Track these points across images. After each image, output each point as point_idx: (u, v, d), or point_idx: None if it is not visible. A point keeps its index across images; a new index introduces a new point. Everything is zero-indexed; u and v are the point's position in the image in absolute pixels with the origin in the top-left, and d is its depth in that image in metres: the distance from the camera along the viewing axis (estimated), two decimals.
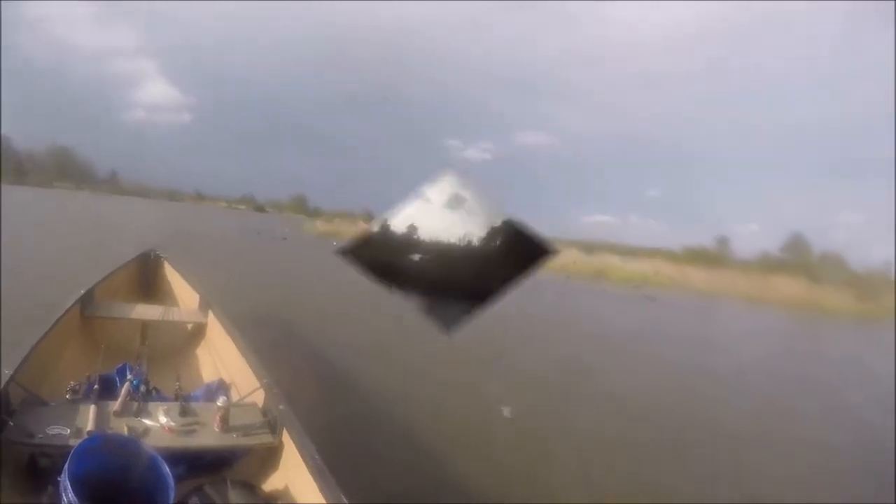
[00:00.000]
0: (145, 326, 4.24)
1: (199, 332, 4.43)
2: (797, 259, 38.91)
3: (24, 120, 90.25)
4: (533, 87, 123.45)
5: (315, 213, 64.75)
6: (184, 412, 2.51)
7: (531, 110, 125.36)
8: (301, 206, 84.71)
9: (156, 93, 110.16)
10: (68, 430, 2.22)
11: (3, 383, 2.30)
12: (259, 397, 2.81)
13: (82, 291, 4.11)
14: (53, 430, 2.21)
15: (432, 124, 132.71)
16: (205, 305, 4.54)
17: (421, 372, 6.28)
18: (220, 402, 2.51)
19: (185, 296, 5.12)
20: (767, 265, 36.66)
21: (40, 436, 2.18)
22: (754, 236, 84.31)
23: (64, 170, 76.54)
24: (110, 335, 3.97)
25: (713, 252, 42.44)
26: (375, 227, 1.39)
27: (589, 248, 36.43)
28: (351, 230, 38.90)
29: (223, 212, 73.09)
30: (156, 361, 3.68)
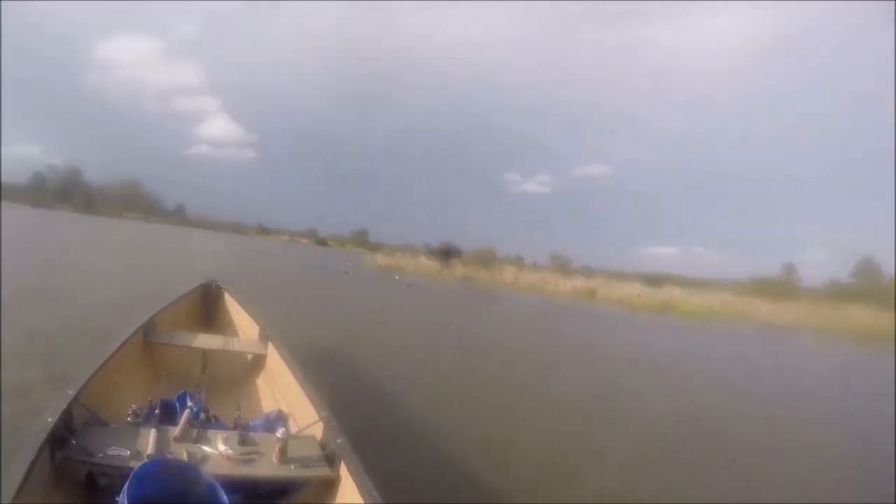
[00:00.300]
0: (205, 355, 4.30)
1: (258, 362, 4.47)
2: (868, 285, 37.38)
3: (96, 153, 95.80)
4: (589, 119, 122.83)
5: (376, 248, 65.76)
6: (242, 441, 2.52)
7: (588, 142, 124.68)
8: (362, 240, 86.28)
9: (220, 130, 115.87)
10: (128, 452, 2.25)
11: (67, 402, 2.32)
12: (318, 430, 2.80)
13: (145, 318, 4.17)
14: (113, 451, 2.24)
15: (491, 159, 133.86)
16: (264, 337, 4.55)
17: (496, 412, 6.10)
18: (279, 433, 2.50)
19: (244, 326, 5.17)
20: (837, 293, 35.27)
21: (100, 455, 2.19)
22: (822, 264, 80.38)
23: (133, 202, 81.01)
24: (171, 362, 4.03)
25: (780, 281, 41.35)
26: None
27: (653, 280, 36.33)
28: (412, 264, 39.53)
29: (286, 245, 75.05)
30: (215, 390, 3.72)
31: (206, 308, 5.66)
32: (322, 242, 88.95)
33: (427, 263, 40.55)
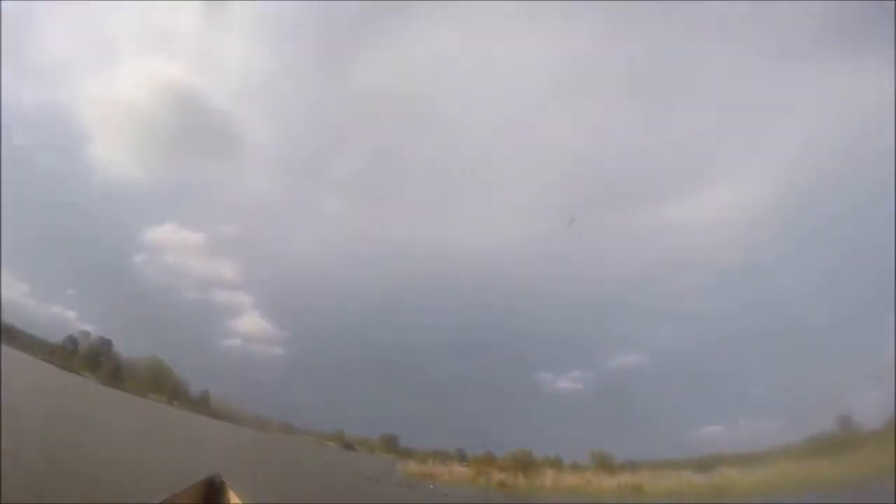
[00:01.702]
0: None
1: None
2: None
3: (130, 330, 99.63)
4: (613, 306, 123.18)
5: (406, 453, 64.42)
6: None
7: (619, 332, 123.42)
8: (392, 445, 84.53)
9: (252, 325, 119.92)
10: None
11: None
12: None
13: None
14: None
15: (523, 359, 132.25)
16: None
17: None
18: None
19: None
20: None
21: None
22: (879, 403, 73.38)
23: (159, 382, 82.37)
24: None
25: (837, 436, 38.23)
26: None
27: (703, 464, 34.71)
28: (446, 471, 38.79)
29: (311, 446, 73.93)
30: None
31: (208, 502, 5.52)
32: (349, 446, 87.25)
33: (461, 470, 39.81)
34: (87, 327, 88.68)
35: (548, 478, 36.36)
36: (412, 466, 40.65)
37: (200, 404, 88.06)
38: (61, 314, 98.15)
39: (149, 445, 16.03)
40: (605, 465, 41.42)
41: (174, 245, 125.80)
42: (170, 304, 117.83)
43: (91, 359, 78.46)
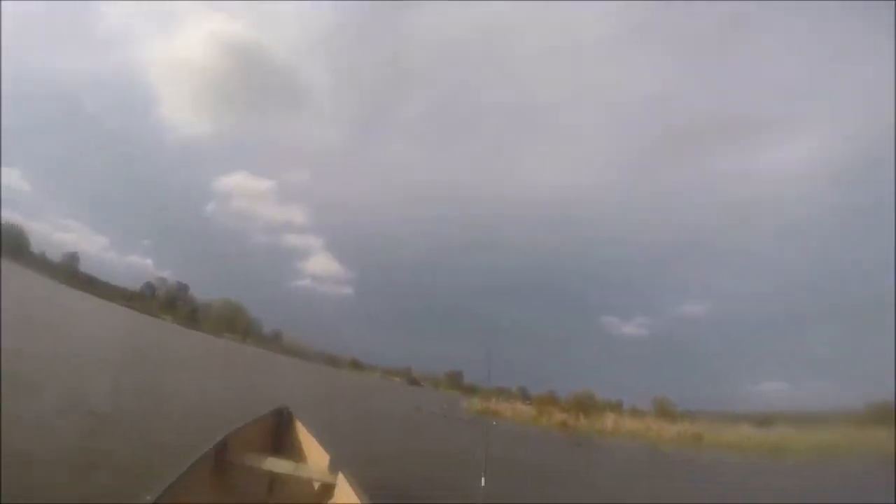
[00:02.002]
0: (274, 479, 4.52)
1: (326, 491, 4.56)
2: None
3: (204, 274, 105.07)
4: (682, 254, 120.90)
5: (471, 391, 65.98)
6: None
7: (684, 278, 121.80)
8: (456, 382, 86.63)
9: (322, 266, 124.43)
10: None
11: None
12: None
13: (219, 438, 4.42)
14: None
15: (589, 301, 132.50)
16: (334, 466, 4.68)
17: None
18: None
19: (314, 454, 5.34)
20: None
21: None
22: None
23: (233, 323, 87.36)
24: (240, 482, 4.28)
25: None
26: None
27: (762, 420, 34.79)
28: (509, 409, 39.61)
29: (378, 382, 76.63)
30: None
31: (277, 433, 5.85)
32: (415, 382, 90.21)
33: (524, 409, 40.71)
34: (164, 274, 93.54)
35: (609, 421, 36.53)
36: (476, 403, 41.22)
37: (273, 342, 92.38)
38: (139, 263, 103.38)
39: (224, 382, 16.79)
40: (665, 412, 41.65)
41: (244, 193, 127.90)
42: (241, 248, 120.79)
43: (168, 303, 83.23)
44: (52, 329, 16.81)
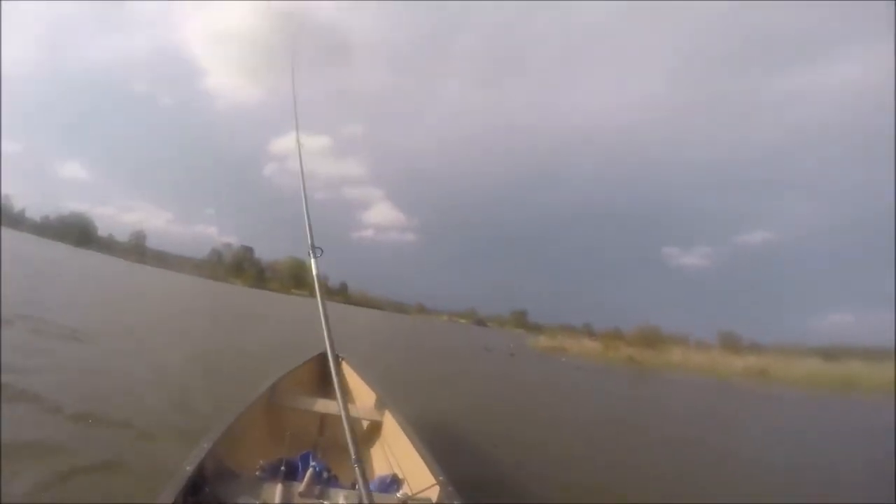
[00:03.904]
0: (323, 419, 4.68)
1: (374, 429, 4.70)
2: None
3: (269, 236, 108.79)
4: (743, 180, 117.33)
5: (535, 328, 67.16)
6: (362, 500, 2.55)
7: (746, 205, 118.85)
8: (522, 321, 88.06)
9: (384, 215, 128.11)
10: (256, 502, 2.55)
11: (203, 454, 2.63)
12: (434, 493, 2.92)
13: (270, 382, 4.58)
14: (242, 500, 2.53)
15: (649, 233, 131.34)
16: (381, 405, 4.82)
17: None
18: (399, 494, 2.75)
19: (361, 394, 5.50)
20: None
21: (229, 503, 2.51)
22: None
23: (300, 279, 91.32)
24: (292, 423, 4.29)
25: None
26: None
27: (829, 354, 34.00)
28: (575, 345, 40.26)
29: (446, 324, 78.26)
30: (332, 452, 3.93)
31: (325, 375, 5.92)
32: (481, 323, 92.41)
33: (591, 345, 41.38)
34: (229, 239, 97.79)
35: (675, 354, 36.54)
36: (542, 341, 42.15)
37: (340, 294, 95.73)
38: (204, 232, 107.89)
39: (295, 334, 17.00)
40: (731, 345, 41.78)
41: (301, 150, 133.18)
42: (302, 206, 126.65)
43: (236, 266, 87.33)
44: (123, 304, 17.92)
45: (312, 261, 2.97)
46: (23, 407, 4.92)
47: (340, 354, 5.99)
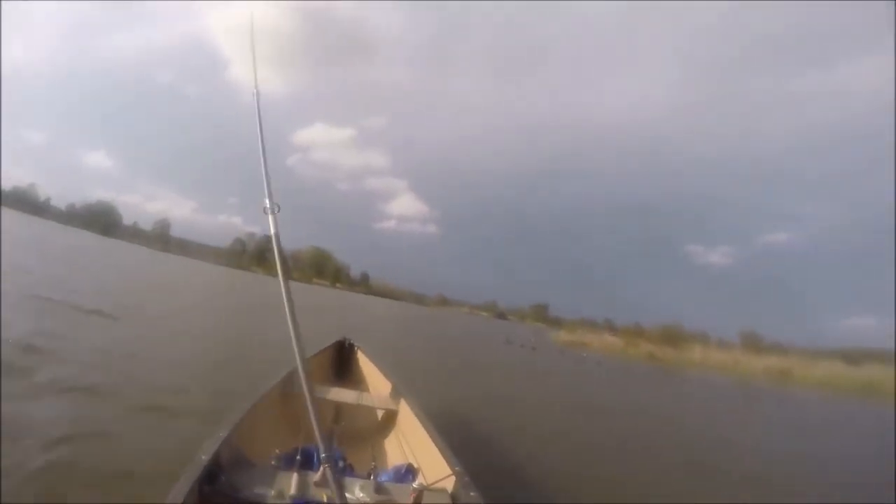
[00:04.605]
0: (338, 408, 4.62)
1: (390, 418, 4.70)
2: None
3: (290, 224, 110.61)
4: (766, 179, 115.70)
5: (556, 322, 67.09)
6: (378, 490, 2.68)
7: (769, 205, 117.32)
8: (542, 315, 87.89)
9: (406, 206, 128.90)
10: (272, 492, 2.54)
11: (218, 442, 2.65)
12: (450, 483, 2.92)
13: (287, 370, 4.51)
14: (258, 490, 2.53)
15: (673, 231, 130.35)
16: (396, 394, 4.82)
17: None
18: (415, 484, 2.71)
19: (376, 383, 5.52)
20: None
21: (245, 493, 2.50)
22: None
23: (321, 269, 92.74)
24: (307, 412, 4.07)
25: None
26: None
27: (850, 357, 33.63)
28: (596, 340, 40.18)
29: (466, 317, 78.12)
30: (347, 442, 4.01)
31: (340, 364, 6.14)
32: (502, 315, 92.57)
33: (611, 340, 41.37)
34: (252, 229, 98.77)
35: (696, 352, 36.37)
36: (563, 335, 42.33)
37: (361, 285, 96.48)
38: (227, 221, 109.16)
39: (313, 323, 17.10)
40: (753, 345, 41.30)
41: (324, 143, 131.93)
42: (325, 196, 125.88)
43: (258, 256, 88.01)
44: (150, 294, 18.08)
45: (270, 218, 2.87)
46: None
47: (355, 343, 6.38)
